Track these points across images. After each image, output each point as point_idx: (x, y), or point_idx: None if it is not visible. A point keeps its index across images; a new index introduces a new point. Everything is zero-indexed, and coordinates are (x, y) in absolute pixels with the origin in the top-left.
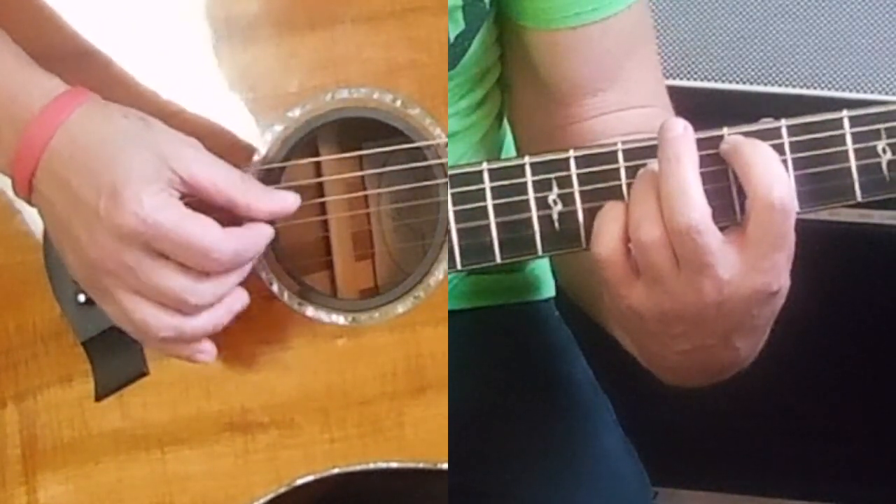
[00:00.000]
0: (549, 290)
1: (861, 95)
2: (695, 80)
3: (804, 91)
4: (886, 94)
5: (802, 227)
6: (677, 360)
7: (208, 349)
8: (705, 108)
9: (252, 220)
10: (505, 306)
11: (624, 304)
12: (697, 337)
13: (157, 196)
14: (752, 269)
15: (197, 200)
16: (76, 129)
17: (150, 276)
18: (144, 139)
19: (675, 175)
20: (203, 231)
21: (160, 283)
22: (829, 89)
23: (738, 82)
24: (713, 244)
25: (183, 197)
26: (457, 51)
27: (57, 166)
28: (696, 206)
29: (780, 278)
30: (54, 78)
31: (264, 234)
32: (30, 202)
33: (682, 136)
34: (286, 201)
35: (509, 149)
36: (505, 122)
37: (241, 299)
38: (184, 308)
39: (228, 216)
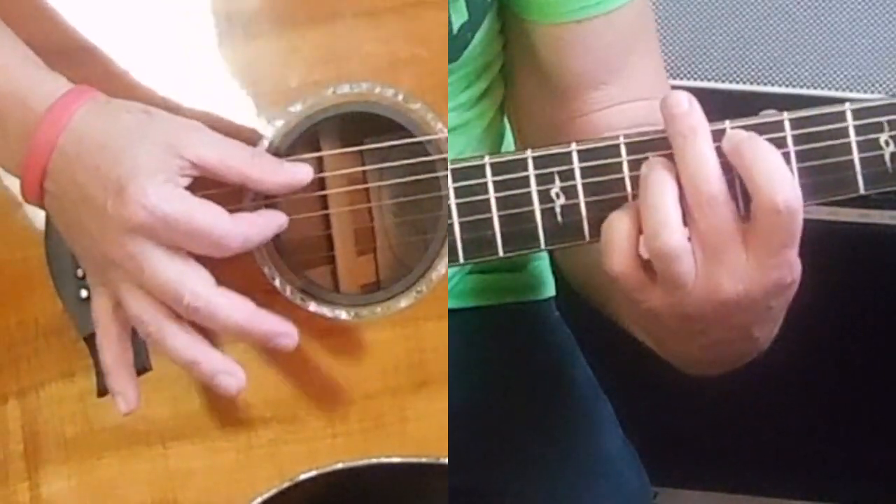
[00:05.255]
0: (549, 289)
1: (861, 95)
2: (695, 80)
3: (804, 91)
4: (886, 94)
5: (803, 226)
6: (698, 354)
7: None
8: (705, 108)
9: (265, 196)
10: (505, 306)
11: (643, 307)
12: (718, 332)
13: (163, 187)
14: (764, 268)
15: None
16: (81, 128)
17: (155, 269)
18: (148, 131)
19: (694, 147)
20: (212, 217)
21: (164, 276)
22: (830, 89)
23: (738, 82)
24: (730, 217)
25: (193, 183)
26: (459, 42)
27: (64, 166)
28: (716, 177)
29: (793, 271)
30: (60, 78)
31: (275, 220)
32: (41, 206)
33: (692, 110)
34: (299, 173)
35: (509, 145)
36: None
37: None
38: (178, 308)
39: (235, 208)
